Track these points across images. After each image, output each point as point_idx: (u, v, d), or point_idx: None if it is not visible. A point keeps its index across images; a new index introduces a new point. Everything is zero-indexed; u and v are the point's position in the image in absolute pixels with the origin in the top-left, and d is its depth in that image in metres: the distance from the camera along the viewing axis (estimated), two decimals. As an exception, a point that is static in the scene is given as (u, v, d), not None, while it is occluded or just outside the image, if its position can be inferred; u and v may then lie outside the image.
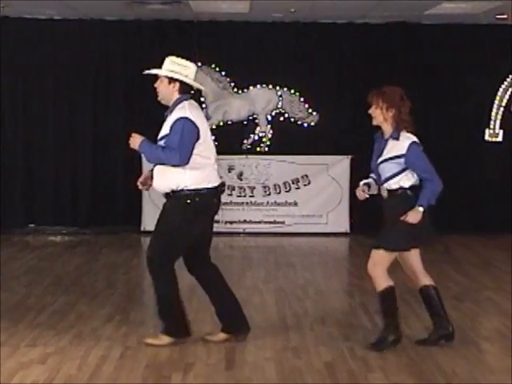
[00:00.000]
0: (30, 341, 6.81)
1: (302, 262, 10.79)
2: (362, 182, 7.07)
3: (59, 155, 13.11)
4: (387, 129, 6.69)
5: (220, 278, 6.95)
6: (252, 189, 12.97)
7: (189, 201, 6.52)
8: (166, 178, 6.58)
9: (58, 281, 9.33)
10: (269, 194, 12.95)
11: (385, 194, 6.77)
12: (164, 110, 6.78)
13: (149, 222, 12.78)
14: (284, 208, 12.95)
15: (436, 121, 13.09)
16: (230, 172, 12.96)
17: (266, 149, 13.27)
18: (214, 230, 13.17)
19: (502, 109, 13.21)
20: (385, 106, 6.62)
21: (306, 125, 13.26)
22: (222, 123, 13.24)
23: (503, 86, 13.19)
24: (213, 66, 13.13)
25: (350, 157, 12.88)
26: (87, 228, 13.01)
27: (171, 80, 6.63)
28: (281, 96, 13.20)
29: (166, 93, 6.70)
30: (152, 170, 6.79)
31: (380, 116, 6.68)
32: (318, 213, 12.95)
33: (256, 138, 13.28)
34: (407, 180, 6.62)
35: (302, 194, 12.99)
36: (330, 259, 11.27)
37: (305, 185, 12.98)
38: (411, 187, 6.63)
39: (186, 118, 6.48)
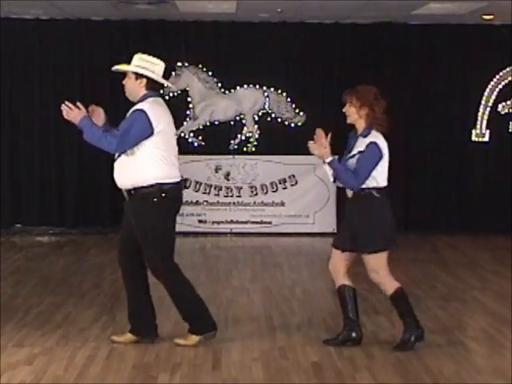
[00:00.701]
0: (16, 341, 6.78)
1: (289, 262, 10.80)
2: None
3: (45, 155, 13.08)
4: (360, 127, 6.74)
5: (144, 281, 6.88)
6: (239, 189, 12.97)
7: (155, 199, 6.51)
8: (128, 174, 6.57)
9: (44, 281, 9.31)
10: (256, 194, 12.95)
11: (349, 193, 6.78)
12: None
13: (136, 222, 12.77)
14: (271, 208, 12.95)
15: (423, 121, 13.13)
16: (217, 172, 12.96)
17: (253, 149, 13.28)
18: (201, 230, 13.24)
19: (488, 109, 13.25)
20: (358, 104, 6.66)
21: (292, 125, 13.27)
22: (208, 123, 13.24)
23: (490, 86, 13.23)
24: (199, 66, 13.12)
25: (336, 157, 12.86)
26: (74, 228, 12.98)
27: (138, 76, 6.63)
28: (268, 96, 13.21)
29: (133, 89, 6.70)
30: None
31: (354, 114, 6.73)
32: (304, 213, 12.97)
33: (243, 138, 13.28)
34: (372, 179, 6.60)
35: (288, 194, 13.00)
36: (317, 259, 11.27)
37: (292, 185, 12.99)
38: (377, 188, 6.63)
39: (141, 111, 6.49)
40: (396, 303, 6.75)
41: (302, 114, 13.25)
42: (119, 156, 6.65)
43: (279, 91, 13.21)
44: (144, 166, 6.50)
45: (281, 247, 12.05)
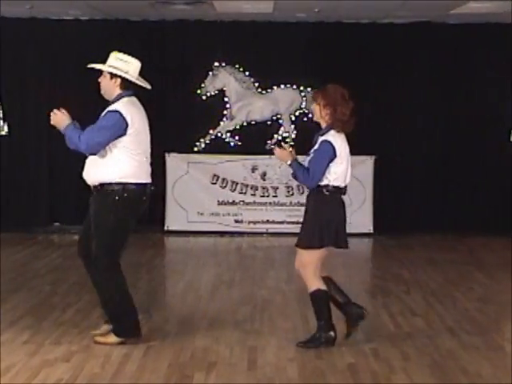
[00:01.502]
0: (54, 339, 6.84)
1: (325, 263, 10.75)
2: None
3: (82, 154, 13.13)
4: (322, 125, 6.76)
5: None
6: (275, 189, 12.97)
7: (117, 197, 6.55)
8: (95, 171, 6.65)
9: (82, 279, 9.31)
10: (292, 195, 12.94)
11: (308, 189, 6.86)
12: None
13: (172, 221, 12.85)
14: (307, 208, 12.91)
15: (461, 121, 13.04)
16: (253, 172, 12.97)
17: (290, 149, 13.23)
18: (238, 229, 13.27)
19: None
20: (322, 103, 6.66)
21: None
22: (245, 123, 13.26)
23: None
24: (236, 66, 13.15)
25: (373, 157, 12.86)
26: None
27: (113, 76, 6.64)
28: (304, 96, 13.19)
29: (108, 88, 6.72)
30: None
31: (317, 112, 6.75)
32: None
33: (280, 138, 13.28)
34: (325, 178, 6.64)
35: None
36: (353, 260, 11.22)
37: (328, 185, 12.94)
38: (329, 186, 6.64)
39: (115, 111, 6.51)
40: (312, 302, 6.80)
41: (338, 113, 13.20)
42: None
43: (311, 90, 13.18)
44: (111, 164, 6.56)
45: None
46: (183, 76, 13.12)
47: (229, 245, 12.14)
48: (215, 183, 12.91)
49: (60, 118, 6.82)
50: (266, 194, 12.96)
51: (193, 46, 13.11)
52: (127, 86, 6.71)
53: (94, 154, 6.65)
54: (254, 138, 13.26)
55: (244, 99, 13.23)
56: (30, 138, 13.12)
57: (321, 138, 6.70)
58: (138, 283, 9.28)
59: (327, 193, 6.64)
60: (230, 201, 12.90)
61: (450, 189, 13.18)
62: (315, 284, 6.75)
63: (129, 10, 12.32)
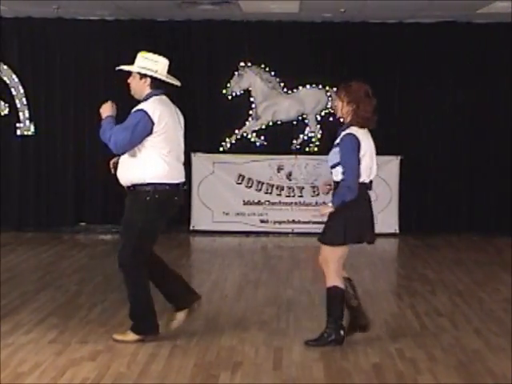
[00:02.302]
0: (80, 338, 6.88)
1: (350, 263, 10.69)
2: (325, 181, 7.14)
3: (109, 154, 13.17)
4: (345, 122, 6.77)
5: (161, 263, 7.00)
6: (301, 189, 12.97)
7: (148, 198, 6.57)
8: (127, 171, 6.67)
9: (108, 279, 9.41)
10: (318, 195, 12.92)
11: (332, 184, 6.84)
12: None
13: (198, 221, 12.88)
14: (333, 208, 12.89)
15: (487, 121, 12.96)
16: (279, 172, 12.97)
17: (315, 149, 13.25)
18: (263, 229, 13.26)
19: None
20: (346, 99, 6.68)
21: (355, 125, 13.21)
22: (271, 123, 13.26)
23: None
24: (262, 66, 13.15)
25: (399, 157, 12.82)
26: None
27: (142, 75, 6.67)
28: (330, 96, 13.18)
29: (138, 88, 6.76)
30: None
31: (340, 109, 6.76)
32: (366, 213, 12.89)
33: (305, 138, 13.28)
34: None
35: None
36: (379, 260, 11.21)
37: (354, 185, 12.91)
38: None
39: (142, 110, 6.53)
40: (327, 299, 6.78)
41: (364, 113, 13.18)
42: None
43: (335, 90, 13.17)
44: (141, 164, 6.59)
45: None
46: (209, 76, 13.15)
47: (254, 245, 12.15)
48: (241, 183, 12.92)
49: (105, 108, 6.87)
50: (292, 194, 12.96)
51: (219, 45, 13.14)
52: (157, 85, 6.74)
53: (124, 154, 6.65)
54: (280, 138, 13.26)
55: (270, 99, 13.23)
56: (56, 138, 13.19)
57: (343, 133, 6.68)
58: (164, 283, 9.31)
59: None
60: (256, 201, 12.91)
61: (476, 189, 13.11)
62: (334, 281, 6.75)
63: (155, 11, 12.36)
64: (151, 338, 6.77)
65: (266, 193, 12.93)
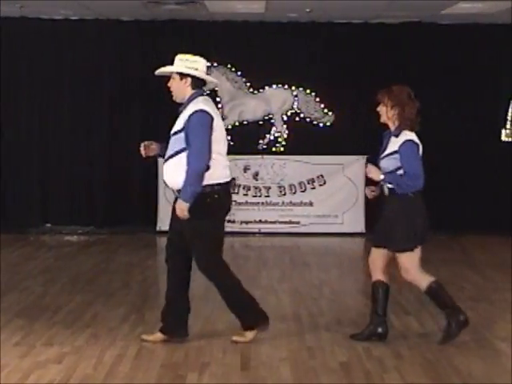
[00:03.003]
0: (46, 340, 6.83)
1: (318, 262, 10.78)
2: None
3: (75, 155, 13.16)
4: (391, 126, 6.80)
5: (186, 281, 6.89)
6: (267, 189, 12.97)
7: (208, 199, 6.50)
8: (179, 174, 6.49)
9: (74, 280, 9.36)
10: (284, 194, 12.94)
11: (386, 191, 6.82)
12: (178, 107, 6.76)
13: (165, 221, 12.74)
14: (299, 208, 12.95)
15: (452, 121, 13.05)
16: (245, 172, 12.97)
17: (282, 149, 13.28)
18: (230, 229, 13.25)
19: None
20: (390, 104, 6.73)
21: (321, 125, 13.26)
22: (237, 123, 13.26)
23: (522, 86, 13.15)
24: (228, 66, 13.15)
25: (365, 157, 12.86)
26: (103, 228, 13.05)
27: (182, 76, 6.63)
28: (296, 96, 13.20)
29: (179, 90, 6.69)
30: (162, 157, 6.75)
31: (385, 114, 6.79)
32: (333, 213, 12.94)
33: (272, 138, 13.29)
34: None
35: (317, 194, 12.98)
36: (346, 259, 11.25)
37: (320, 185, 12.98)
38: None
39: (203, 111, 6.48)
40: (433, 298, 6.81)
41: (330, 113, 13.23)
42: (170, 157, 6.58)
43: (308, 91, 13.20)
44: None
45: (309, 247, 12.03)
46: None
47: (221, 245, 12.12)
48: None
49: (183, 207, 6.49)
50: (259, 194, 12.96)
51: (185, 45, 13.02)
52: (197, 85, 6.69)
53: (175, 154, 6.51)
54: (246, 138, 13.26)
55: (236, 99, 13.23)
56: (21, 139, 13.09)
57: (397, 140, 6.68)
58: (131, 283, 9.29)
59: (412, 194, 6.66)
60: (223, 201, 12.88)
61: (443, 188, 13.17)
62: (426, 279, 6.78)
63: (120, 10, 12.31)
64: (264, 327, 6.77)
65: (233, 193, 12.89)
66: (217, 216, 6.65)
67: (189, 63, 6.65)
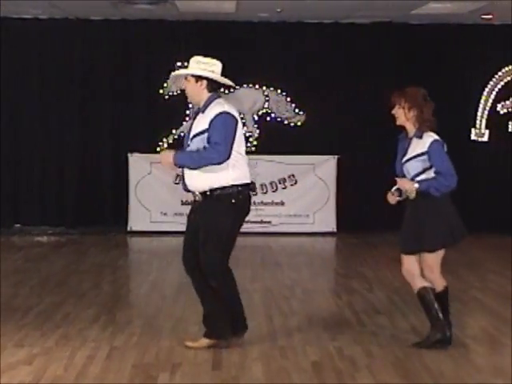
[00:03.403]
0: (16, 341, 6.77)
1: (289, 262, 10.79)
2: (393, 189, 7.08)
3: (46, 155, 13.08)
4: (410, 128, 6.78)
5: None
6: (238, 188, 12.94)
7: (233, 200, 6.50)
8: (204, 176, 6.48)
9: (44, 281, 9.30)
10: (255, 194, 12.91)
11: (412, 194, 6.78)
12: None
13: (135, 221, 12.79)
14: (271, 208, 12.95)
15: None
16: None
17: (253, 149, 13.26)
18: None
19: (487, 108, 13.26)
20: (407, 105, 6.72)
21: (292, 125, 13.27)
22: (208, 123, 13.20)
23: (489, 86, 13.24)
24: (199, 65, 13.09)
25: (336, 157, 12.91)
26: (74, 228, 12.98)
27: (198, 79, 6.60)
28: (267, 96, 13.20)
29: (195, 92, 6.65)
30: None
31: (402, 116, 6.78)
32: (304, 212, 12.96)
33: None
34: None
35: (288, 193, 12.99)
36: (317, 259, 11.27)
37: (291, 185, 12.99)
38: None
39: (226, 112, 6.48)
40: (441, 301, 6.80)
41: (301, 113, 13.25)
42: None
43: (279, 91, 13.20)
44: (222, 167, 6.45)
45: (281, 247, 12.04)
46: (146, 76, 13.08)
47: (193, 245, 12.09)
48: (178, 183, 12.83)
49: (167, 156, 6.58)
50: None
51: (155, 45, 13.06)
52: (213, 88, 6.64)
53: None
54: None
55: (207, 99, 13.18)
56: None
57: (422, 141, 6.68)
58: (102, 284, 9.24)
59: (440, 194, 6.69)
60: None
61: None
62: (443, 282, 6.83)
63: (90, 9, 12.23)
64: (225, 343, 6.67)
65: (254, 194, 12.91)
66: (237, 217, 6.64)
67: (204, 66, 6.61)
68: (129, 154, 12.68)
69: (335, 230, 12.93)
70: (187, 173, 6.58)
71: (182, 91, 13.12)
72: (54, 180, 13.13)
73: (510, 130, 13.31)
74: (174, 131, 13.15)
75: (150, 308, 8.09)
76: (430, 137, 6.69)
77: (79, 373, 6.00)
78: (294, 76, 13.18)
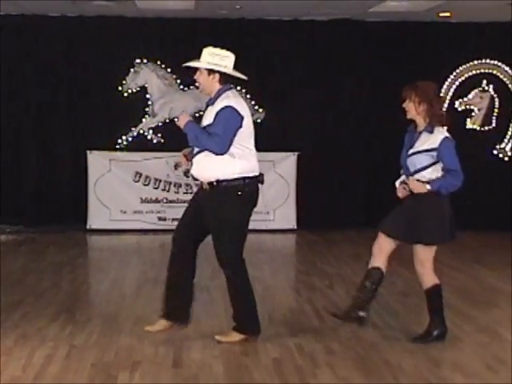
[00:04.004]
0: (-27, 342, 6.71)
1: (249, 259, 10.64)
2: (398, 181, 7.18)
3: (4, 153, 12.94)
4: (420, 122, 6.84)
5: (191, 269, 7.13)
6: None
7: (239, 192, 6.61)
8: (211, 167, 6.58)
9: (2, 280, 9.20)
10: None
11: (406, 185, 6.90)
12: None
13: (95, 219, 12.71)
14: (231, 205, 12.91)
15: (381, 119, 13.17)
16: (176, 169, 12.84)
17: (213, 146, 13.22)
18: (161, 227, 13.19)
19: (445, 106, 13.36)
20: (417, 100, 6.78)
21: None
22: (168, 120, 13.18)
23: (446, 83, 13.35)
24: (158, 62, 13.07)
25: (296, 154, 12.93)
26: (32, 226, 12.85)
27: (210, 71, 6.63)
28: (227, 93, 13.17)
29: (207, 84, 6.74)
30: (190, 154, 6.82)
31: (412, 109, 6.85)
32: (264, 210, 12.95)
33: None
34: (437, 173, 6.75)
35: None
36: (277, 256, 11.29)
37: (251, 182, 12.96)
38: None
39: (231, 107, 6.53)
40: (429, 298, 6.92)
41: (261, 110, 13.25)
42: (200, 152, 6.67)
43: (238, 88, 13.18)
44: (228, 159, 6.57)
45: (241, 244, 12.02)
46: (105, 73, 12.99)
47: (152, 242, 12.06)
48: (138, 181, 12.82)
49: (184, 118, 6.87)
50: (190, 191, 12.87)
51: (114, 42, 12.98)
52: (226, 80, 6.69)
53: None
54: (177, 135, 13.04)
55: (166, 96, 13.16)
56: None
57: (433, 135, 6.72)
58: (61, 282, 9.18)
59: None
60: (153, 198, 12.83)
61: (373, 184, 13.31)
62: (433, 279, 6.92)
63: (47, 6, 12.11)
64: (255, 337, 6.75)
65: (164, 190, 12.87)
66: (245, 209, 6.74)
67: (218, 58, 6.66)
68: (88, 152, 12.60)
69: (295, 227, 12.97)
70: (196, 162, 6.71)
71: (141, 88, 13.12)
72: (12, 178, 12.99)
73: (467, 126, 13.43)
74: (133, 128, 13.09)
75: (110, 306, 8.04)
76: (441, 133, 6.75)
77: (38, 373, 5.95)
78: (254, 73, 13.13)
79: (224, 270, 6.82)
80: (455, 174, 6.72)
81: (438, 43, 13.17)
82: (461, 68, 13.36)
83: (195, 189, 12.81)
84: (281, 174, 12.88)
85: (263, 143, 12.99)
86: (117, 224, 12.72)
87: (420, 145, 6.77)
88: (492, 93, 13.37)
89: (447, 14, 12.36)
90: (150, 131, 13.15)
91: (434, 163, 6.74)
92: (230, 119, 6.54)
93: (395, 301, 8.34)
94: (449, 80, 13.36)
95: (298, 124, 13.23)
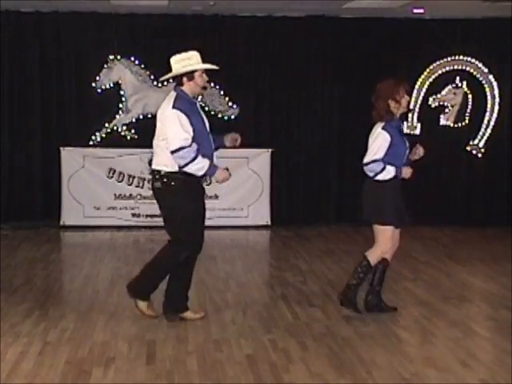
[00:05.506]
0: None
1: (223, 255, 10.80)
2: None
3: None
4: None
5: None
6: (172, 182, 12.89)
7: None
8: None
9: (-25, 277, 9.16)
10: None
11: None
12: None
13: (68, 216, 12.66)
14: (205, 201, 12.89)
15: (355, 114, 13.20)
16: (149, 165, 12.86)
17: (186, 141, 13.20)
18: (135, 223, 13.13)
19: (419, 102, 13.43)
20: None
21: (226, 118, 13.26)
22: (141, 116, 13.14)
23: (420, 80, 13.40)
24: (132, 58, 13.01)
25: (270, 150, 12.94)
26: (5, 223, 12.77)
27: (187, 76, 6.88)
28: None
29: (194, 90, 7.49)
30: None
31: (406, 104, 8.07)
32: (238, 206, 12.97)
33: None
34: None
35: (222, 187, 12.86)
36: (251, 252, 11.30)
37: (225, 178, 12.96)
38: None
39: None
40: (374, 272, 7.81)
41: (235, 106, 13.24)
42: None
43: (212, 84, 13.17)
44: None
45: (215, 240, 12.01)
46: (78, 69, 12.92)
47: (126, 239, 12.04)
48: (112, 177, 12.78)
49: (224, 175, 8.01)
50: (164, 188, 12.87)
51: (87, 38, 12.92)
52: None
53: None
54: (151, 132, 13.04)
55: (140, 92, 13.12)
56: None
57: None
58: (34, 279, 9.13)
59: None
60: (127, 195, 12.80)
61: (346, 180, 13.34)
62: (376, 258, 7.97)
63: (20, 1, 12.04)
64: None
65: (138, 186, 12.83)
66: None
67: (187, 62, 6.88)
68: (61, 148, 12.55)
69: (269, 223, 12.98)
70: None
71: (115, 84, 13.07)
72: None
73: (441, 123, 13.49)
74: (106, 125, 13.04)
75: (83, 303, 8.02)
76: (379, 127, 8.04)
77: (11, 369, 5.94)
78: (228, 69, 13.16)
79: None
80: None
81: (412, 39, 13.21)
82: (434, 64, 13.42)
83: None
84: (255, 171, 12.88)
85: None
86: (90, 220, 12.67)
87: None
88: (465, 89, 13.44)
89: (421, 11, 12.39)
90: (124, 127, 13.11)
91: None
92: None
93: (368, 296, 8.37)
94: (422, 76, 13.40)
95: (272, 120, 13.24)
